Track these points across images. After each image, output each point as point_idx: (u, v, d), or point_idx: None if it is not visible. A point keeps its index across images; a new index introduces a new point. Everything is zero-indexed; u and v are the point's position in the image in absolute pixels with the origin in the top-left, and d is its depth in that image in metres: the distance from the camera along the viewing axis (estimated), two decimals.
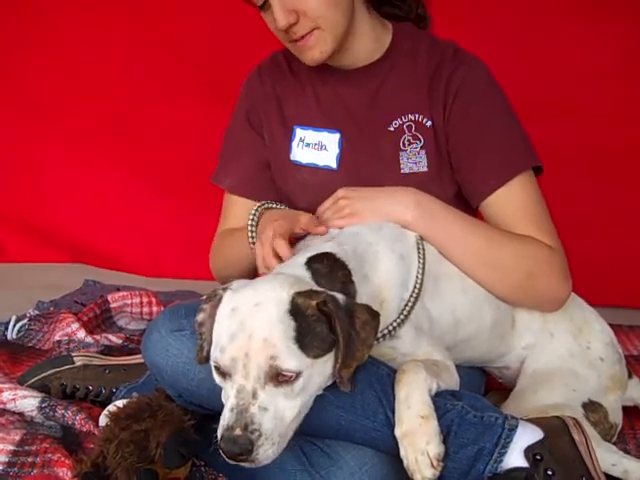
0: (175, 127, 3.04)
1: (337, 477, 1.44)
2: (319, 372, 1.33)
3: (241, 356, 1.28)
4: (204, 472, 1.63)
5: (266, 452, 1.27)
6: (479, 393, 1.84)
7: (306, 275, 1.45)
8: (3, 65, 3.16)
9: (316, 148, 1.89)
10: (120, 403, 1.59)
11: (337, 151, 1.87)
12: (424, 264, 1.63)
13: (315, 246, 1.57)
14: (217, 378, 1.35)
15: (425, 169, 1.82)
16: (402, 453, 1.39)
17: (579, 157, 2.74)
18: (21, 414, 1.83)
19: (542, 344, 1.82)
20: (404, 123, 1.83)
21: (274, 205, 1.83)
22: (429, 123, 1.82)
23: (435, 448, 1.37)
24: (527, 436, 1.43)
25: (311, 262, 1.48)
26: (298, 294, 1.33)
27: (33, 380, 1.94)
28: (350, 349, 1.33)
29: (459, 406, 1.46)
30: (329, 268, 1.48)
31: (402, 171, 1.82)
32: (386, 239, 1.62)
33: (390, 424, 1.43)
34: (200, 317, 1.40)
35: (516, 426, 1.44)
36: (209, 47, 3.01)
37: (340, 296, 1.38)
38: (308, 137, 1.90)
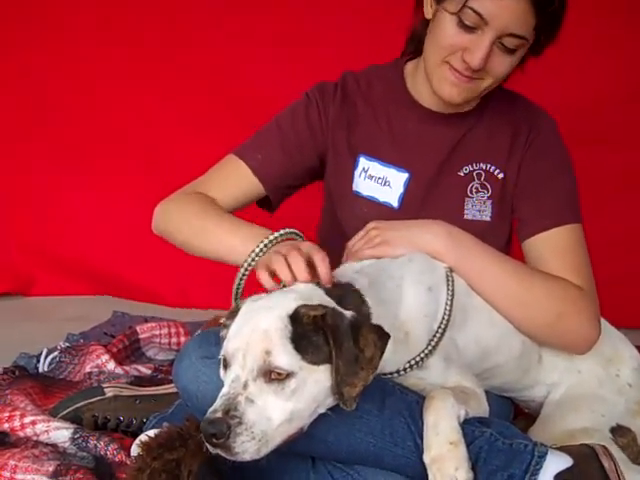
0: (203, 159, 3.06)
1: None
2: (314, 380, 1.34)
3: (242, 346, 1.33)
4: None
5: (244, 444, 1.28)
6: (507, 420, 1.83)
7: (321, 292, 1.46)
8: (37, 106, 3.22)
9: (379, 182, 1.87)
10: (152, 433, 1.60)
11: (401, 190, 1.87)
12: (453, 295, 1.64)
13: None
14: (222, 374, 1.39)
15: (488, 219, 1.85)
16: (431, 479, 1.40)
17: (606, 178, 2.74)
18: (54, 445, 1.85)
19: (569, 382, 1.82)
20: (474, 170, 1.86)
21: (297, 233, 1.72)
22: (501, 175, 1.86)
23: (464, 474, 1.38)
24: (556, 463, 1.43)
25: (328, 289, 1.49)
26: (304, 305, 1.37)
27: (65, 412, 1.96)
28: (352, 367, 1.34)
29: (488, 433, 1.46)
30: (343, 292, 1.49)
31: (465, 217, 1.85)
32: (413, 272, 1.63)
33: (419, 451, 1.44)
34: (223, 333, 1.44)
35: (546, 453, 1.44)
36: (239, 80, 3.05)
37: (349, 313, 1.39)
38: (372, 169, 1.88)
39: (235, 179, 1.90)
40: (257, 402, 1.31)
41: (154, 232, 1.92)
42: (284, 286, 1.48)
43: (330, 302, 1.42)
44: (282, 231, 1.65)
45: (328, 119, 1.90)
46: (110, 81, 3.17)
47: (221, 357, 1.39)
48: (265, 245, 1.62)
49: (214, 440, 1.28)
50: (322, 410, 1.38)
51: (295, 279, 1.47)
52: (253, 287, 1.57)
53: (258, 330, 1.34)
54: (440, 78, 1.74)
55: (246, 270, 1.63)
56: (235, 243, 1.68)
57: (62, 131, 3.22)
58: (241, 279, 1.65)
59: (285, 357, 1.32)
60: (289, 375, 1.32)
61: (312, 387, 1.34)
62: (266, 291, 1.50)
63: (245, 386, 1.32)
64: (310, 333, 1.35)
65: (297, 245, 1.55)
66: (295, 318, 1.35)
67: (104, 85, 3.17)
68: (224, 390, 1.33)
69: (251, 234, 1.67)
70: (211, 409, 1.31)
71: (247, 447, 1.29)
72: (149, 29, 3.10)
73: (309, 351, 1.34)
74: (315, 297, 1.42)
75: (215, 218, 1.78)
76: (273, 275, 1.52)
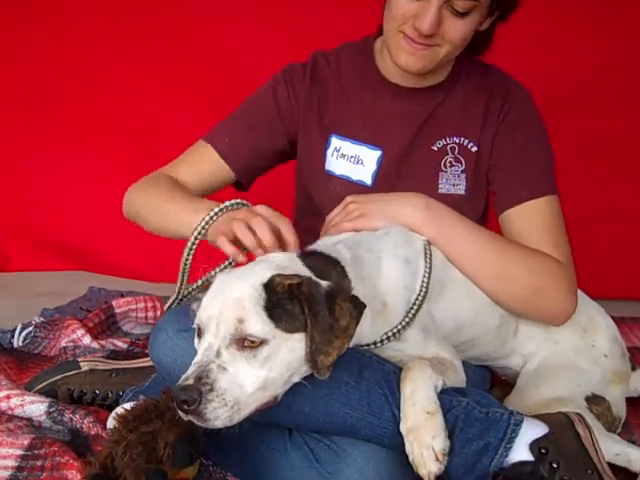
0: (179, 135, 3.03)
1: (344, 473, 1.46)
2: (288, 348, 1.34)
3: (216, 314, 1.34)
4: (212, 471, 1.65)
5: (215, 410, 1.29)
6: (484, 390, 1.85)
7: (299, 263, 1.47)
8: (10, 65, 3.17)
9: (352, 161, 1.87)
10: (128, 405, 1.60)
11: (374, 168, 1.86)
12: (430, 268, 1.64)
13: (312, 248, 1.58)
14: (196, 342, 1.39)
15: (462, 192, 1.86)
16: (408, 448, 1.41)
17: (580, 149, 2.75)
18: (29, 419, 1.84)
19: (546, 351, 1.84)
20: (448, 144, 1.86)
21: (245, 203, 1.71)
22: (475, 148, 1.85)
23: (440, 443, 1.39)
24: (532, 431, 1.45)
25: (304, 257, 1.49)
26: (280, 274, 1.37)
27: (41, 386, 1.95)
28: (327, 336, 1.34)
29: (464, 402, 1.47)
30: (323, 264, 1.49)
31: (439, 191, 1.85)
32: (391, 244, 1.63)
33: (396, 421, 1.45)
34: (195, 306, 1.44)
35: (521, 421, 1.45)
36: (216, 61, 3.02)
37: (325, 283, 1.39)
38: (344, 148, 1.88)
39: (204, 163, 1.91)
40: (229, 369, 1.31)
41: (124, 216, 1.94)
42: (248, 254, 1.49)
43: (306, 272, 1.42)
44: (232, 201, 1.66)
45: (298, 100, 1.90)
46: (93, 62, 3.12)
47: (195, 326, 1.39)
48: (215, 213, 1.63)
49: (185, 407, 1.29)
50: (297, 379, 1.38)
51: (260, 245, 1.49)
52: (202, 261, 1.61)
53: (231, 298, 1.35)
54: (397, 48, 1.74)
55: (195, 239, 1.64)
56: (186, 215, 1.69)
57: (38, 107, 3.18)
58: (189, 251, 1.66)
59: (258, 325, 1.32)
60: (262, 343, 1.32)
61: (286, 355, 1.34)
62: (223, 259, 1.54)
63: (218, 354, 1.32)
64: (285, 301, 1.34)
65: (254, 210, 1.57)
66: (269, 287, 1.35)
67: (86, 65, 3.13)
68: (197, 358, 1.33)
69: (202, 206, 1.68)
70: (183, 376, 1.31)
71: (219, 414, 1.29)
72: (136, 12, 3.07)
73: (283, 319, 1.34)
74: (291, 267, 1.42)
75: (175, 197, 1.79)
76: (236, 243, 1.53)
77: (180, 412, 1.31)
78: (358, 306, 1.39)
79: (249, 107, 1.94)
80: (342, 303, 1.36)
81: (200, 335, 1.37)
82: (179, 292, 1.72)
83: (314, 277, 1.40)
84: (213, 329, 1.34)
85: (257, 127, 1.91)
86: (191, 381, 1.29)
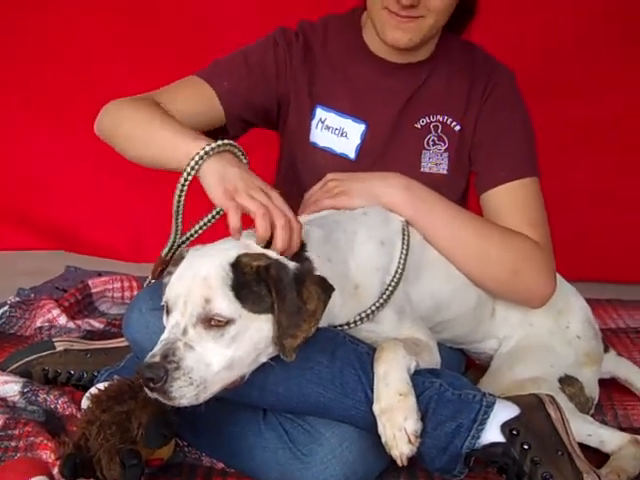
0: None
1: (318, 454, 1.47)
2: (256, 329, 1.34)
3: (184, 292, 1.34)
4: (187, 452, 1.66)
5: (181, 389, 1.29)
6: (459, 372, 1.86)
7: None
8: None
9: (336, 133, 1.86)
10: (102, 386, 1.60)
11: (358, 142, 1.85)
12: (408, 249, 1.64)
13: None
14: (165, 320, 1.39)
15: (444, 172, 1.85)
16: (380, 429, 1.41)
17: (559, 132, 2.76)
18: (3, 399, 1.83)
19: (520, 333, 1.85)
20: (431, 122, 1.85)
21: (241, 156, 1.59)
22: (458, 127, 1.85)
23: (413, 424, 1.40)
24: (504, 412, 1.45)
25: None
26: (247, 254, 1.37)
27: (15, 366, 1.94)
28: (294, 319, 1.34)
29: (437, 384, 1.48)
30: None
31: (422, 169, 1.84)
32: (367, 225, 1.63)
33: (369, 402, 1.45)
34: (167, 279, 1.44)
35: (493, 403, 1.46)
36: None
37: (292, 265, 1.39)
38: (329, 120, 1.86)
39: (199, 100, 1.82)
40: (196, 348, 1.32)
41: (95, 132, 1.83)
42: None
43: (273, 252, 1.41)
44: (226, 141, 1.54)
45: (292, 65, 1.86)
46: (76, 31, 3.08)
47: (164, 303, 1.39)
48: (206, 152, 1.50)
49: (151, 384, 1.29)
50: (264, 359, 1.39)
51: (269, 237, 1.43)
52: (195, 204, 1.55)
53: (199, 277, 1.34)
54: (382, 24, 1.73)
55: (188, 174, 1.51)
56: (178, 143, 1.57)
57: (18, 83, 3.13)
58: (182, 187, 1.54)
59: (224, 304, 1.32)
60: (229, 322, 1.32)
61: (252, 335, 1.34)
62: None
63: (184, 332, 1.33)
64: (252, 283, 1.35)
65: (274, 201, 1.46)
66: (237, 267, 1.35)
67: (68, 36, 3.08)
68: (164, 335, 1.34)
69: (195, 136, 1.57)
70: (150, 354, 1.31)
71: (185, 392, 1.30)
72: None
73: (250, 300, 1.34)
74: (255, 246, 1.42)
75: (164, 122, 1.66)
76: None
77: (147, 390, 1.32)
78: (326, 289, 1.39)
79: (250, 57, 1.86)
80: (310, 286, 1.36)
81: (169, 312, 1.37)
82: (174, 241, 1.65)
83: (281, 258, 1.40)
84: (181, 307, 1.34)
85: (256, 80, 1.85)
86: (157, 358, 1.29)
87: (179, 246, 1.66)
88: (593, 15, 2.79)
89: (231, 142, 1.56)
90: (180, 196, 1.56)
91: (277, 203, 1.46)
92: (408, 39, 1.72)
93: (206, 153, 1.50)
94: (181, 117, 1.70)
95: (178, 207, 1.59)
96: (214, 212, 1.62)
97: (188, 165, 1.50)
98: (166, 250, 1.67)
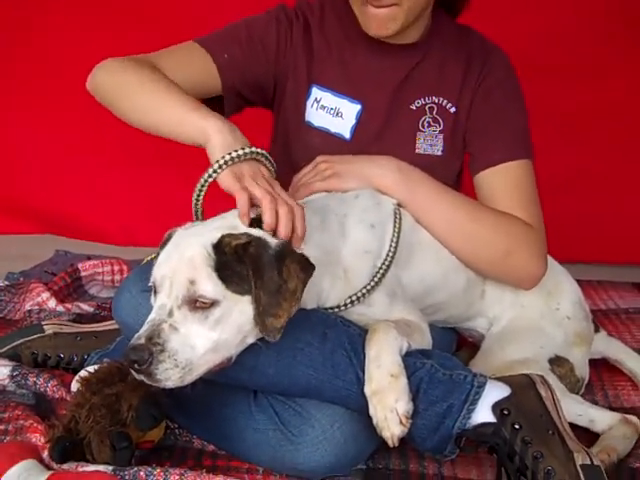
0: None
1: (309, 435, 1.46)
2: (240, 310, 1.34)
3: (169, 273, 1.34)
4: (178, 434, 1.65)
5: (166, 371, 1.29)
6: (450, 352, 1.87)
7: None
8: None
9: (332, 113, 1.84)
10: (91, 369, 1.59)
11: (353, 122, 1.84)
12: (399, 232, 1.63)
13: None
14: (152, 300, 1.39)
15: (439, 153, 1.85)
16: (371, 411, 1.41)
17: (549, 116, 2.75)
18: None
19: (511, 314, 1.85)
20: (426, 104, 1.84)
21: (268, 163, 1.55)
22: (453, 109, 1.84)
23: (404, 405, 1.40)
24: (495, 393, 1.46)
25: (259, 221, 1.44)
26: (230, 234, 1.36)
27: (3, 350, 1.93)
28: (275, 298, 1.33)
29: (428, 364, 1.48)
30: None
31: (416, 151, 1.84)
32: (358, 208, 1.63)
33: (360, 383, 1.45)
34: (155, 260, 1.43)
35: (484, 383, 1.46)
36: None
37: (275, 242, 1.37)
38: (325, 99, 1.85)
39: (198, 69, 1.78)
40: (181, 330, 1.31)
41: (87, 88, 1.76)
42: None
43: (258, 231, 1.39)
44: (256, 149, 1.50)
45: (293, 45, 1.85)
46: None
47: (151, 284, 1.38)
48: (238, 156, 1.46)
49: (136, 366, 1.29)
50: (251, 340, 1.39)
51: (275, 226, 1.40)
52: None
53: (184, 258, 1.34)
54: (362, 18, 1.73)
55: (209, 177, 1.47)
56: (187, 117, 1.55)
57: (4, 66, 3.10)
58: (204, 184, 1.49)
59: (209, 286, 1.32)
60: (214, 304, 1.32)
61: (237, 317, 1.34)
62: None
63: (170, 314, 1.32)
64: (233, 263, 1.34)
65: (281, 193, 1.46)
66: (219, 247, 1.35)
67: (49, 20, 3.05)
68: (150, 317, 1.34)
69: (212, 114, 1.54)
70: (136, 335, 1.31)
71: (170, 374, 1.30)
72: None
73: (233, 281, 1.33)
74: (242, 226, 1.41)
75: (170, 90, 1.62)
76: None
77: (133, 372, 1.31)
78: (306, 268, 1.37)
79: (251, 31, 1.83)
80: (290, 265, 1.35)
81: (156, 293, 1.37)
82: None
83: (264, 236, 1.38)
84: (167, 288, 1.34)
85: (257, 55, 1.82)
86: (142, 340, 1.29)
87: None
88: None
89: (258, 150, 1.51)
90: (197, 200, 1.53)
91: (278, 190, 1.47)
92: (389, 28, 1.71)
93: (232, 159, 1.46)
94: (179, 84, 1.66)
95: (197, 209, 1.55)
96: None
97: (211, 168, 1.47)
98: None
